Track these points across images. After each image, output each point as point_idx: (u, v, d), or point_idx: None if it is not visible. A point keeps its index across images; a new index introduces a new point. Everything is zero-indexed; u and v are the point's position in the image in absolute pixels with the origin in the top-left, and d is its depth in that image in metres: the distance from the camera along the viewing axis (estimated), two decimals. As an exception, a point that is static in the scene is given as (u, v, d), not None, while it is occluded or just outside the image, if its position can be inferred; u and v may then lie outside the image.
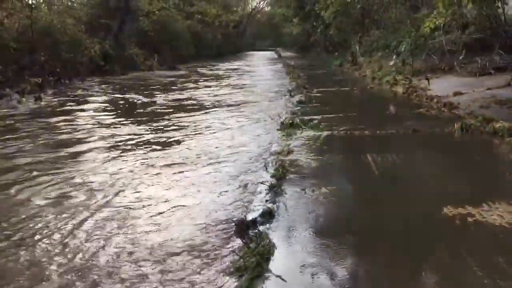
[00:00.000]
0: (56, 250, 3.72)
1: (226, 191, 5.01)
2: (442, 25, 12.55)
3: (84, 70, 18.25)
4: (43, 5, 20.81)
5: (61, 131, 8.69)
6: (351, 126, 7.67)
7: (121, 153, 6.87)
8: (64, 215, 4.43)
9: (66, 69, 16.73)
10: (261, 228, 3.75)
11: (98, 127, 8.96)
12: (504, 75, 10.77)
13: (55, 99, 13.12)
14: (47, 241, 3.88)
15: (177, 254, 3.60)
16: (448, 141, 6.69)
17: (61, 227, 4.15)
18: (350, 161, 5.96)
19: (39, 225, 4.22)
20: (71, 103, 12.40)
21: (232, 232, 3.78)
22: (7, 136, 8.12)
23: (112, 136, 8.11)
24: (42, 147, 7.36)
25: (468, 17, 13.36)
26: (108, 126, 9.11)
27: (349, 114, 8.99)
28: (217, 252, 3.54)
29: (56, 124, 9.40)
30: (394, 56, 15.73)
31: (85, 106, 11.83)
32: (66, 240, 3.90)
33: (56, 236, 3.98)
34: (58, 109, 11.47)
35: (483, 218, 3.84)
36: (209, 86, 16.15)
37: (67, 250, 3.72)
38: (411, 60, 14.13)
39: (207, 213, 4.41)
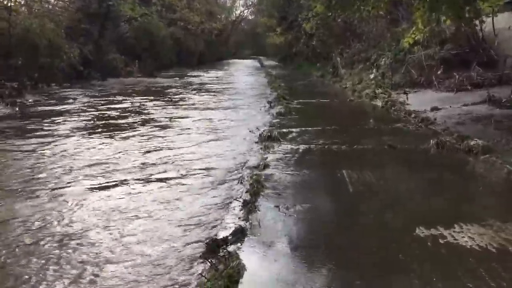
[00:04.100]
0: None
1: (198, 207, 4.92)
2: (421, 40, 12.69)
3: (62, 75, 17.97)
4: (22, 8, 20.49)
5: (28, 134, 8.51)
6: (329, 140, 7.67)
7: (88, 165, 6.72)
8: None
9: (44, 74, 16.45)
10: (232, 247, 3.68)
11: (67, 134, 8.79)
12: (480, 91, 10.93)
13: (30, 104, 12.88)
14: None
15: (144, 274, 3.50)
16: (423, 158, 6.72)
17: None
18: (326, 177, 5.93)
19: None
20: (45, 108, 12.18)
21: (201, 253, 3.69)
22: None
23: (79, 144, 7.97)
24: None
25: (447, 33, 13.55)
26: (76, 133, 8.94)
27: (328, 127, 8.99)
28: (184, 273, 3.45)
29: (24, 128, 9.24)
30: (374, 70, 15.87)
31: (58, 112, 11.63)
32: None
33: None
34: (30, 113, 11.27)
35: (455, 240, 3.83)
36: (190, 95, 16.04)
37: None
38: (391, 74, 14.26)
39: (177, 229, 4.32)
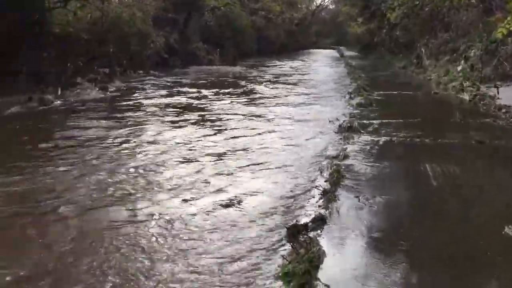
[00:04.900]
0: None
1: (279, 194, 5.02)
2: (516, 30, 11.87)
3: (148, 62, 18.81)
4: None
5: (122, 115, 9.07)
6: (411, 133, 7.47)
7: (179, 144, 7.05)
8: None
9: (132, 61, 17.33)
10: (312, 234, 3.75)
11: (158, 117, 9.24)
12: None
13: (120, 89, 13.66)
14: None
15: (228, 253, 3.67)
16: (514, 155, 6.38)
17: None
18: (408, 170, 5.81)
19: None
20: (134, 93, 12.85)
21: (283, 236, 3.80)
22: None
23: (170, 121, 8.35)
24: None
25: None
26: (166, 115, 9.37)
27: (410, 120, 8.74)
28: (266, 255, 3.58)
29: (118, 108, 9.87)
30: (462, 61, 15.09)
31: (146, 96, 12.23)
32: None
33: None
34: (121, 98, 11.98)
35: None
36: (268, 84, 16.18)
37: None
38: (481, 66, 13.50)
39: (258, 215, 4.44)
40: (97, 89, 13.32)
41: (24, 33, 12.53)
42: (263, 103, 11.54)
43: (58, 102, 11.13)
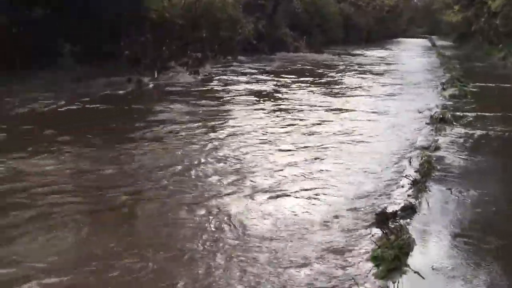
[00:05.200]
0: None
1: (369, 182, 5.02)
2: None
3: (237, 48, 19.20)
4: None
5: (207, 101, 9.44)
6: (510, 127, 7.08)
7: (260, 133, 7.22)
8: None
9: (222, 46, 17.79)
10: (401, 222, 3.75)
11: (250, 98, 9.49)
12: None
13: (210, 74, 14.13)
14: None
15: (319, 233, 3.79)
16: None
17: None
18: (506, 165, 5.55)
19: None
20: (221, 79, 13.24)
21: (372, 222, 3.83)
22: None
23: (262, 109, 8.55)
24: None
25: None
26: (249, 103, 9.59)
27: (509, 113, 8.26)
28: (356, 238, 3.64)
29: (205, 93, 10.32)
30: None
31: (233, 82, 12.56)
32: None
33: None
34: (209, 83, 12.43)
35: None
36: (354, 73, 15.94)
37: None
38: None
39: (348, 200, 4.50)
40: (188, 73, 13.89)
41: (125, 20, 13.37)
42: (346, 93, 11.43)
43: (153, 84, 11.76)
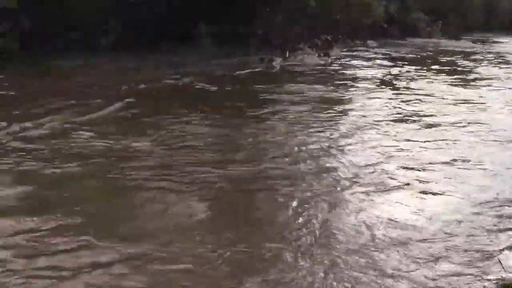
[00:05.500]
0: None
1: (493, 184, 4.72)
2: None
3: (367, 31, 18.73)
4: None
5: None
6: None
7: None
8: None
9: (352, 29, 17.50)
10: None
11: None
12: None
13: (338, 57, 14.01)
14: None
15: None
16: None
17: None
18: None
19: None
20: (349, 63, 13.05)
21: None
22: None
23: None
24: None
25: None
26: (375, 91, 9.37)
27: None
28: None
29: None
30: None
31: (359, 67, 12.33)
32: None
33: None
34: (336, 66, 12.38)
35: None
36: (493, 66, 14.53)
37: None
38: None
39: (474, 203, 4.26)
40: (317, 55, 13.92)
41: (259, 1, 13.77)
42: (480, 85, 10.58)
43: (283, 65, 12.02)
